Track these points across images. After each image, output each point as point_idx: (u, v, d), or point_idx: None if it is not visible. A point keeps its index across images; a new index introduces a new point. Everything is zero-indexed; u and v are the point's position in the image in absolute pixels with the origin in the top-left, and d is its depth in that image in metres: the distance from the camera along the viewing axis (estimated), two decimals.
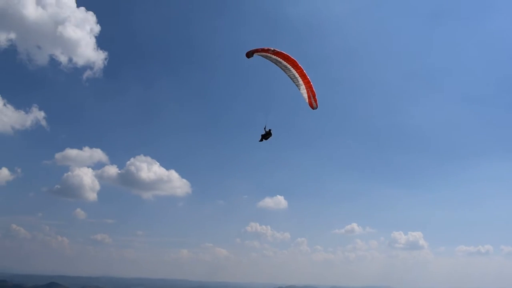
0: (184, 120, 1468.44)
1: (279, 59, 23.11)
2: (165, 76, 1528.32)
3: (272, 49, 22.63)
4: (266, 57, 23.52)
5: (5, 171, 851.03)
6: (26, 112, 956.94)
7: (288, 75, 23.48)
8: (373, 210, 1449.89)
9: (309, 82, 23.43)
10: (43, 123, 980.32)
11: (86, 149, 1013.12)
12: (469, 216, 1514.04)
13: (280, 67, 23.37)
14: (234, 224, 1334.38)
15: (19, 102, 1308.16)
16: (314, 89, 23.02)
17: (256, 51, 23.15)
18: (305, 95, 23.52)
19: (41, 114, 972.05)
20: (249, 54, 23.45)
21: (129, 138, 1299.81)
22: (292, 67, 23.01)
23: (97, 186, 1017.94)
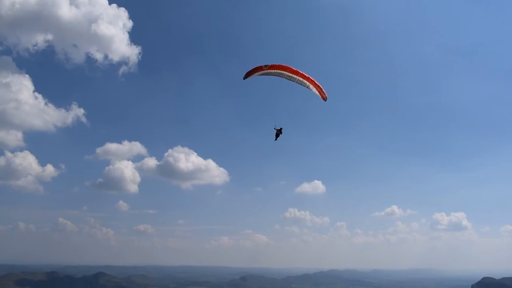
0: (219, 110, 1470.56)
1: (279, 71, 23.33)
2: (201, 68, 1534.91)
3: (265, 66, 22.86)
4: (266, 74, 23.64)
5: (50, 168, 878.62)
6: (67, 110, 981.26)
7: (294, 81, 23.79)
8: (413, 191, 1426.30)
9: (313, 80, 23.71)
10: (83, 119, 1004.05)
11: (125, 142, 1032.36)
12: None
13: (283, 77, 23.52)
14: (272, 210, 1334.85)
15: (60, 101, 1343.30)
16: (318, 84, 23.25)
17: (252, 73, 23.52)
18: (316, 92, 23.88)
19: (81, 111, 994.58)
20: (245, 77, 23.69)
21: (166, 130, 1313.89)
22: (293, 74, 23.35)
23: (138, 178, 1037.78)
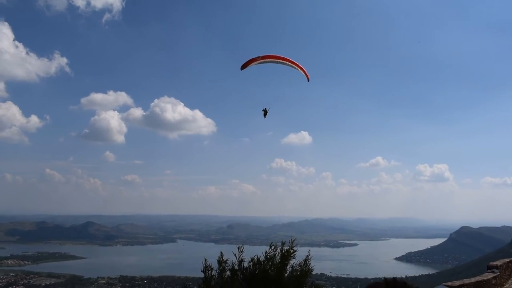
0: (207, 59, 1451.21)
1: (272, 60, 26.29)
2: (188, 16, 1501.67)
3: (259, 57, 25.78)
4: (261, 63, 26.40)
5: (34, 119, 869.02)
6: (49, 59, 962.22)
7: (285, 65, 26.80)
8: (398, 143, 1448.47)
9: (300, 66, 26.36)
10: (67, 69, 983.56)
11: (111, 93, 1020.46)
12: (496, 146, 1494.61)
13: (276, 63, 26.72)
14: (259, 160, 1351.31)
15: (41, 50, 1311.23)
16: (304, 68, 26.11)
17: (249, 63, 25.93)
18: (303, 73, 26.78)
19: (64, 60, 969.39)
20: (242, 67, 26.40)
21: (153, 80, 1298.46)
22: (284, 60, 25.95)
23: (124, 129, 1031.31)
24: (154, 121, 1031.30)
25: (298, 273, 9.62)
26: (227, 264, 9.68)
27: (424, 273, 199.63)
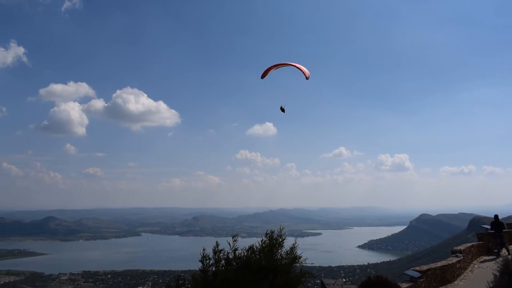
0: (171, 50, 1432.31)
1: (283, 64, 28.28)
2: (153, 5, 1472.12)
3: (274, 66, 27.84)
4: (276, 68, 28.43)
5: None
6: (6, 49, 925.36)
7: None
8: (361, 133, 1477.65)
9: (304, 69, 27.95)
10: (24, 59, 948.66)
11: (71, 83, 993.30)
12: (453, 137, 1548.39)
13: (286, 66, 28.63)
14: (224, 152, 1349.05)
15: None
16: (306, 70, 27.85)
17: (267, 72, 27.90)
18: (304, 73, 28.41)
19: (21, 49, 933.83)
20: (262, 76, 28.15)
21: (115, 70, 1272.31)
22: (292, 65, 27.93)
23: (85, 121, 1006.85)
24: (116, 112, 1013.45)
25: (285, 261, 9.95)
26: (222, 254, 9.88)
27: (385, 260, 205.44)
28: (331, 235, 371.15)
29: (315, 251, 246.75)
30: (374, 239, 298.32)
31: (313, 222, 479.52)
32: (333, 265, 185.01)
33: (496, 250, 24.60)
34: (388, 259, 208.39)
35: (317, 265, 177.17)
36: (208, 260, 9.49)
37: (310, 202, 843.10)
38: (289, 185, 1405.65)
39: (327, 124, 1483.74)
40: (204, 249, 9.74)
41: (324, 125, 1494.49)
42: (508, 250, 23.78)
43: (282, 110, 28.25)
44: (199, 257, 9.66)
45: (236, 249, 9.76)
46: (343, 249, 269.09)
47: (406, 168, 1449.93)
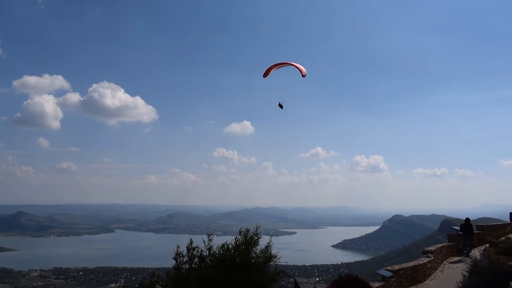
0: (149, 44, 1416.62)
1: (283, 64, 29.08)
2: (135, 2, 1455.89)
3: (274, 65, 28.67)
4: (277, 68, 29.15)
5: None
6: None
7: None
8: (337, 134, 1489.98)
9: (301, 67, 28.77)
10: None
11: (46, 76, 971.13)
12: (427, 140, 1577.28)
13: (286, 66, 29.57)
14: (201, 149, 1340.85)
15: None
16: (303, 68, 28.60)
17: (269, 71, 28.61)
18: (301, 71, 29.32)
19: None
20: (264, 75, 28.89)
21: (92, 64, 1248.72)
22: (291, 64, 28.71)
23: (60, 114, 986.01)
24: (92, 106, 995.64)
25: (260, 259, 9.99)
26: (195, 252, 9.83)
27: (359, 260, 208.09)
28: (306, 234, 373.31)
29: (290, 250, 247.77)
30: (348, 238, 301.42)
31: (288, 221, 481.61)
32: (307, 264, 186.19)
33: (465, 251, 25.20)
34: (361, 259, 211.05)
35: (291, 264, 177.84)
36: (182, 258, 9.44)
37: (286, 201, 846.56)
38: (265, 184, 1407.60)
39: (304, 124, 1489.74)
40: (178, 246, 9.68)
41: (301, 125, 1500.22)
42: (472, 252, 24.37)
43: (281, 106, 28.81)
44: (173, 255, 9.60)
45: (210, 247, 9.75)
46: (318, 248, 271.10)
47: (381, 170, 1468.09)
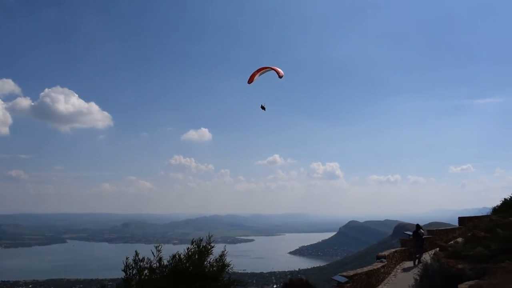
0: (104, 48, 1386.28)
1: (268, 70, 29.37)
2: (87, 1, 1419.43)
3: (257, 71, 28.89)
4: (262, 73, 29.53)
5: None
6: None
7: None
8: (294, 141, 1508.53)
9: (279, 70, 29.08)
10: None
11: None
12: (381, 147, 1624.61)
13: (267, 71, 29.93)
14: (158, 156, 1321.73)
15: None
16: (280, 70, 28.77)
17: (253, 78, 28.82)
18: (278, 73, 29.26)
19: None
20: (250, 81, 28.97)
21: (45, 67, 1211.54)
22: (272, 69, 29.14)
23: (9, 120, 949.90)
24: (44, 112, 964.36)
25: (214, 268, 9.80)
26: (144, 263, 9.47)
27: (315, 265, 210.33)
28: (263, 241, 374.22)
29: (247, 257, 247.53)
30: (305, 245, 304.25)
31: (246, 229, 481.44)
32: (264, 272, 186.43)
33: (417, 256, 25.86)
34: (318, 265, 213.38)
35: (249, 272, 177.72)
36: (131, 270, 9.09)
37: (243, 208, 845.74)
38: (223, 191, 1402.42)
39: (262, 131, 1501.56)
40: (127, 258, 9.32)
41: (259, 132, 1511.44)
42: (424, 256, 25.05)
43: (263, 108, 29.15)
44: (122, 266, 9.25)
45: (161, 258, 9.44)
46: (275, 255, 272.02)
47: (337, 176, 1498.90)
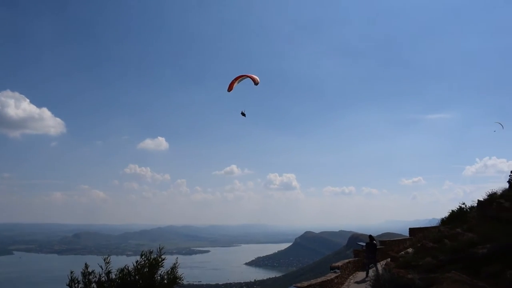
0: (59, 53, 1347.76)
1: (244, 78, 30.02)
2: (41, 3, 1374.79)
3: (235, 79, 29.43)
4: (240, 80, 30.06)
5: None
6: None
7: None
8: (252, 152, 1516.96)
9: (255, 77, 29.87)
10: None
11: None
12: (337, 160, 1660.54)
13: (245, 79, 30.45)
14: (112, 165, 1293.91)
15: None
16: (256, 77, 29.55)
17: (232, 85, 29.53)
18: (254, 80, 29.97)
19: None
20: (229, 89, 29.75)
21: None
22: (248, 76, 29.88)
23: None
24: None
25: (165, 281, 9.58)
26: (92, 276, 9.10)
27: (271, 276, 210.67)
28: (219, 252, 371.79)
29: (203, 268, 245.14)
30: (261, 256, 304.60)
31: (202, 240, 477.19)
32: (220, 283, 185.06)
33: (370, 266, 26.35)
34: (274, 276, 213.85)
35: (204, 283, 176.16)
36: (77, 284, 8.71)
37: (200, 219, 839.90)
38: (179, 201, 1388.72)
39: (219, 142, 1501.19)
40: (72, 272, 8.95)
41: (216, 142, 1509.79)
42: (377, 267, 25.61)
43: (243, 114, 29.57)
44: (67, 281, 8.86)
45: (109, 271, 9.11)
46: (231, 266, 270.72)
47: (293, 187, 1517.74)
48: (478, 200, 20.96)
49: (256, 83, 29.04)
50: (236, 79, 29.71)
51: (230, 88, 29.62)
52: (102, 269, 9.02)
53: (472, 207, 23.97)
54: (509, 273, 11.54)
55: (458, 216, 24.18)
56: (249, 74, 29.74)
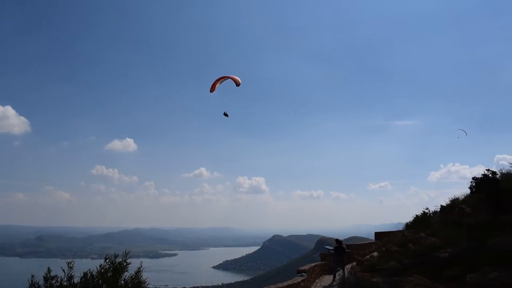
0: (24, 49, 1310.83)
1: (226, 79, 30.25)
2: None
3: (217, 80, 29.65)
4: (220, 82, 30.26)
5: None
6: None
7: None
8: (221, 155, 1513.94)
9: (236, 78, 30.11)
10: None
11: None
12: (305, 164, 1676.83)
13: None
14: (78, 166, 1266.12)
15: None
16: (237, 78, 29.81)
17: (214, 86, 29.73)
18: (235, 81, 30.19)
19: None
20: (211, 90, 29.85)
21: None
22: (230, 77, 30.09)
23: None
24: None
25: (130, 286, 9.41)
26: (54, 281, 8.83)
27: (239, 280, 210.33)
28: (187, 255, 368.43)
29: (170, 272, 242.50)
30: (229, 259, 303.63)
31: (169, 243, 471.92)
32: (187, 286, 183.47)
33: (337, 269, 26.67)
34: (241, 279, 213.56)
35: (171, 287, 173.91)
36: None
37: (167, 221, 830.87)
38: (147, 204, 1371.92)
39: (189, 144, 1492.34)
40: (32, 276, 8.68)
41: (186, 145, 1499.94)
42: (343, 270, 25.96)
43: (226, 115, 29.53)
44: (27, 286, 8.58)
45: (72, 276, 8.86)
46: (199, 270, 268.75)
47: (262, 191, 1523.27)
48: (441, 205, 21.56)
49: (237, 84, 29.22)
50: (218, 80, 29.79)
51: (212, 89, 29.69)
52: (65, 273, 8.77)
53: (435, 212, 24.53)
54: (469, 276, 11.90)
55: (422, 221, 24.72)
56: (230, 76, 29.92)
